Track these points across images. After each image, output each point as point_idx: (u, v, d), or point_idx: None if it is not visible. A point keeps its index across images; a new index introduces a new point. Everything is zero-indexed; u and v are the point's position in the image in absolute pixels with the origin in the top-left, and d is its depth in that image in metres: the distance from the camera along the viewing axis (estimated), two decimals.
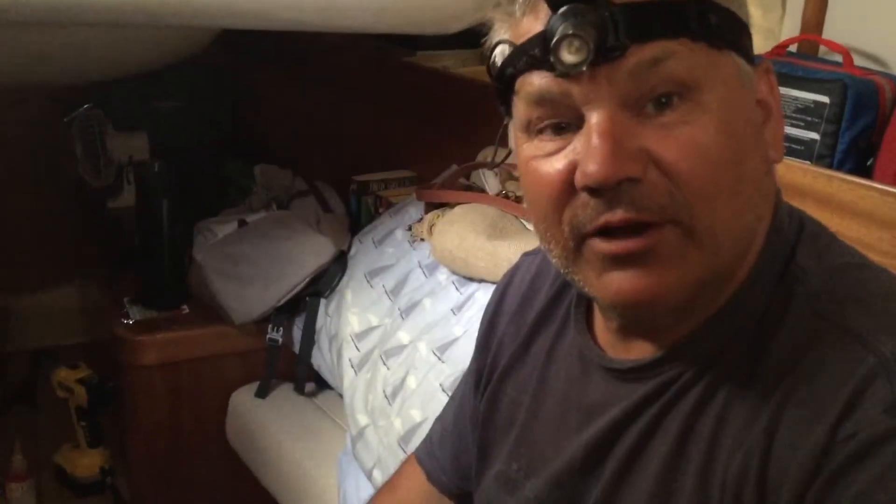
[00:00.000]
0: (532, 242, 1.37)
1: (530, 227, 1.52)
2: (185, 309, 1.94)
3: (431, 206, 1.71)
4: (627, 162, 0.56)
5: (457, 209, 1.58)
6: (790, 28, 1.45)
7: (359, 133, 2.40)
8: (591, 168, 0.56)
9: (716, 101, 0.57)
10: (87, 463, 2.01)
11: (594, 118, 0.57)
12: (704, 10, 0.57)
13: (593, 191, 0.57)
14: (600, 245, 0.59)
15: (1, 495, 1.95)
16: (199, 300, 1.94)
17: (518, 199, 1.62)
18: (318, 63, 2.57)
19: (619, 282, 0.59)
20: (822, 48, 1.36)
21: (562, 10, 0.56)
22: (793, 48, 1.38)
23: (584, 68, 0.56)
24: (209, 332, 1.90)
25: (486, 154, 1.82)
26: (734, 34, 0.60)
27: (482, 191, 1.71)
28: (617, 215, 0.57)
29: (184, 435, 1.91)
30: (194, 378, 1.89)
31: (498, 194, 1.64)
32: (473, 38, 2.24)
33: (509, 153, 0.87)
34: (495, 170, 1.72)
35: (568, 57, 0.56)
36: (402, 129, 2.22)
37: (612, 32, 0.55)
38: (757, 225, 0.62)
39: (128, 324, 1.86)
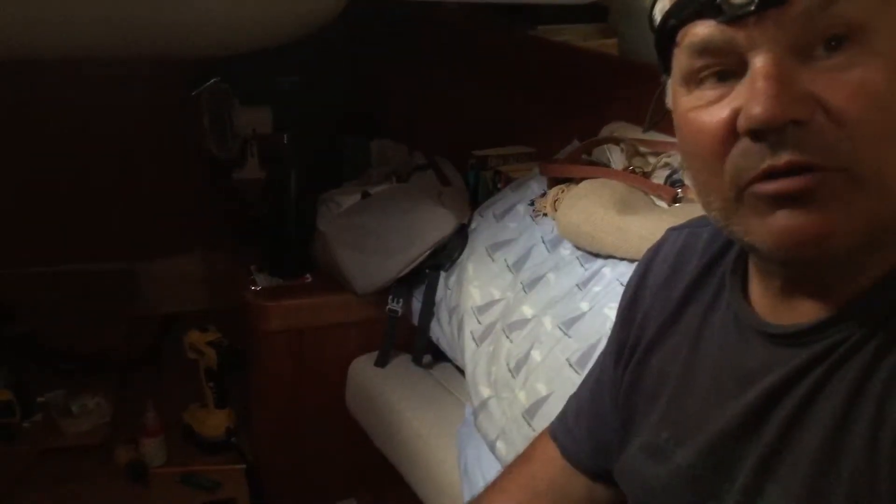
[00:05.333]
0: (663, 218, 1.35)
1: (660, 203, 1.49)
2: (309, 278, 2.00)
3: (554, 182, 1.70)
4: (793, 103, 0.55)
5: (583, 184, 1.57)
6: None
7: (476, 108, 2.41)
8: (756, 110, 0.55)
9: (887, 46, 0.55)
10: (213, 422, 2.09)
11: (759, 62, 0.56)
12: None
13: (757, 134, 0.56)
14: (763, 186, 0.58)
15: (134, 449, 2.06)
16: (322, 269, 1.99)
17: (646, 175, 1.59)
18: (435, 38, 2.59)
19: (783, 222, 0.57)
20: None
21: None
22: None
23: (753, 8, 0.55)
24: (331, 300, 1.96)
25: (610, 129, 1.79)
26: None
27: (606, 167, 1.69)
28: (782, 159, 0.56)
29: (305, 399, 1.98)
30: (316, 345, 1.95)
31: (624, 170, 1.61)
32: (596, 12, 2.21)
33: (653, 126, 0.86)
34: (621, 145, 1.70)
35: None
36: (521, 105, 2.21)
37: None
38: None
39: (256, 290, 1.92)
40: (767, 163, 0.57)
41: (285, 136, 1.89)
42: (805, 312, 0.65)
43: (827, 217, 0.56)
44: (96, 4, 1.79)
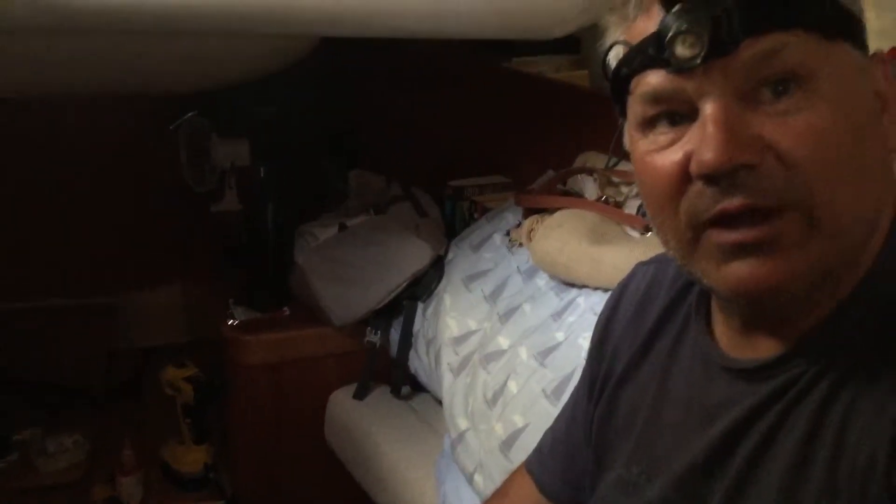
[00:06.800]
0: (636, 248, 1.36)
1: (633, 233, 1.51)
2: (287, 311, 2.00)
3: (530, 212, 1.71)
4: (742, 148, 0.56)
5: (557, 214, 1.58)
6: None
7: (454, 138, 2.42)
8: (707, 155, 0.57)
9: (832, 89, 0.57)
10: (191, 459, 2.08)
11: (708, 109, 0.58)
12: (817, 1, 0.58)
13: (709, 179, 0.58)
14: (720, 235, 0.59)
15: (111, 487, 2.03)
16: (299, 302, 1.99)
17: (618, 205, 1.60)
18: (414, 69, 2.61)
19: (740, 271, 0.59)
20: None
21: (675, 8, 0.58)
22: None
23: (699, 62, 0.57)
24: (309, 333, 1.95)
25: (583, 159, 1.81)
26: (847, 24, 0.60)
27: (580, 197, 1.70)
28: (734, 202, 0.57)
29: (284, 433, 1.96)
30: (295, 378, 1.95)
31: (597, 200, 1.63)
32: (569, 43, 2.25)
33: (618, 161, 0.87)
34: (594, 175, 1.71)
35: (682, 52, 0.58)
36: (498, 135, 2.23)
37: (725, 26, 0.56)
38: (880, 211, 0.61)
39: (233, 324, 1.92)
40: (721, 206, 0.58)
41: (262, 169, 1.89)
42: (765, 348, 0.66)
43: (785, 263, 0.58)
44: (82, 46, 1.80)
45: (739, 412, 0.66)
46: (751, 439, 0.65)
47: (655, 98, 0.61)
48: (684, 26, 0.57)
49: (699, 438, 0.69)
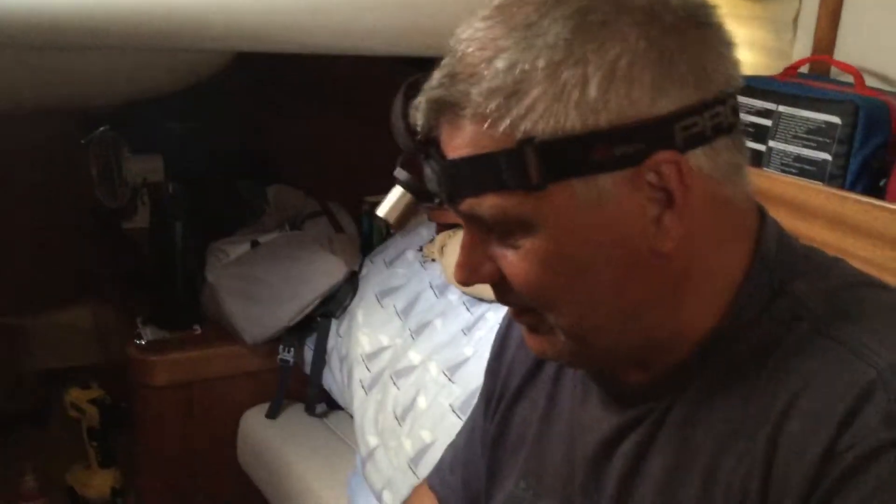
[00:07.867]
0: None
1: None
2: (198, 329, 1.95)
3: (443, 227, 1.72)
4: (478, 271, 0.65)
5: None
6: (801, 49, 1.45)
7: (371, 154, 2.41)
8: (455, 273, 0.66)
9: (543, 230, 0.60)
10: (97, 483, 2.01)
11: (462, 233, 0.65)
12: (522, 157, 0.58)
13: None
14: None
15: None
16: (211, 320, 1.95)
17: None
18: (331, 85, 2.59)
19: (525, 334, 0.69)
20: (834, 69, 1.36)
21: (407, 158, 0.68)
22: (804, 69, 1.38)
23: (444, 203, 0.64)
24: (221, 352, 1.91)
25: None
26: (579, 160, 0.58)
27: None
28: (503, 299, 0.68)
29: (195, 455, 1.91)
30: (206, 398, 1.90)
31: None
32: None
33: None
34: None
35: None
36: None
37: (437, 187, 0.63)
38: (652, 303, 0.63)
39: (140, 344, 1.87)
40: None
41: (171, 185, 1.85)
42: (634, 375, 0.68)
43: (538, 341, 0.67)
44: None
45: (605, 432, 0.68)
46: (619, 461, 0.67)
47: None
48: (400, 188, 0.72)
49: (578, 457, 0.71)
